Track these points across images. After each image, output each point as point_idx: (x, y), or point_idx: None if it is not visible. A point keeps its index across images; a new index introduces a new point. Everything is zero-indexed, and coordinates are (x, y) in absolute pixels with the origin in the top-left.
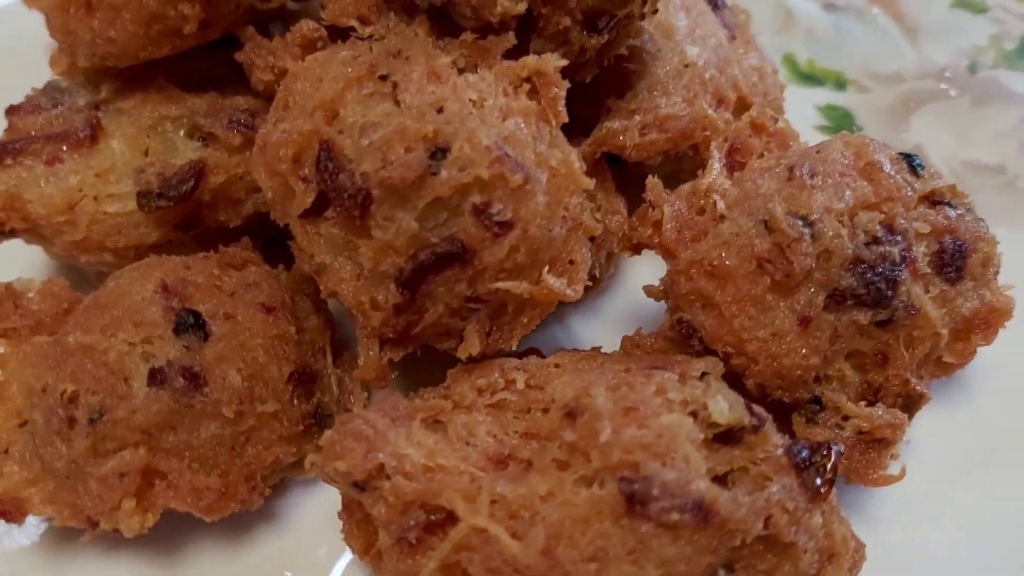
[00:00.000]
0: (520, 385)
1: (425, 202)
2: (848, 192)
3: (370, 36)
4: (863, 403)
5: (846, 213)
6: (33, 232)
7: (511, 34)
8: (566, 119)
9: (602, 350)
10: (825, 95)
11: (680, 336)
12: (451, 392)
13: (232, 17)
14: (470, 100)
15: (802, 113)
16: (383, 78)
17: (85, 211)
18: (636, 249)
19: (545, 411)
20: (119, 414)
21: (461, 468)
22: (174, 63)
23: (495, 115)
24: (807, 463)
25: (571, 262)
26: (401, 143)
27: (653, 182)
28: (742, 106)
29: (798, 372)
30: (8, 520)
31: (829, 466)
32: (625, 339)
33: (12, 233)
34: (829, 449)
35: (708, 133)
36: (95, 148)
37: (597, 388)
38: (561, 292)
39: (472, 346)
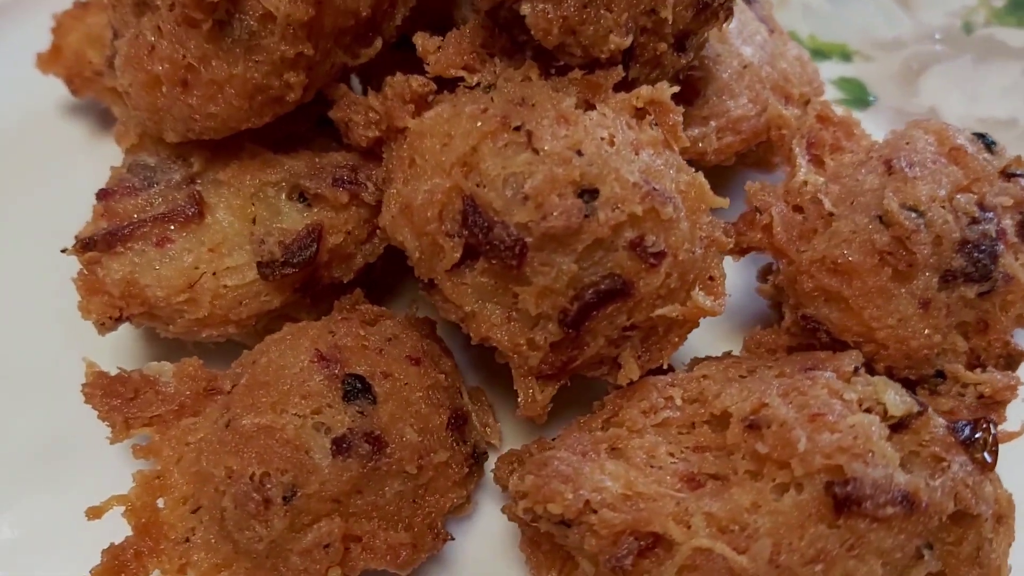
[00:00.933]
0: (678, 401)
1: (584, 245)
2: (944, 178)
3: (478, 84)
4: (978, 369)
5: (947, 199)
6: (148, 315)
7: (619, 67)
8: (687, 143)
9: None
10: (835, 68)
11: (804, 331)
12: (621, 418)
13: (328, 78)
14: (601, 138)
15: None
16: (517, 128)
17: (206, 288)
18: (743, 252)
19: (709, 423)
20: (311, 488)
21: (661, 492)
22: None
23: (628, 150)
24: (971, 439)
25: (711, 278)
26: (552, 191)
27: (755, 188)
28: (798, 98)
29: (924, 352)
30: None
31: (991, 439)
32: (748, 339)
33: (126, 319)
34: (988, 422)
35: (783, 131)
36: (203, 224)
37: (771, 398)
38: (710, 308)
39: (632, 372)
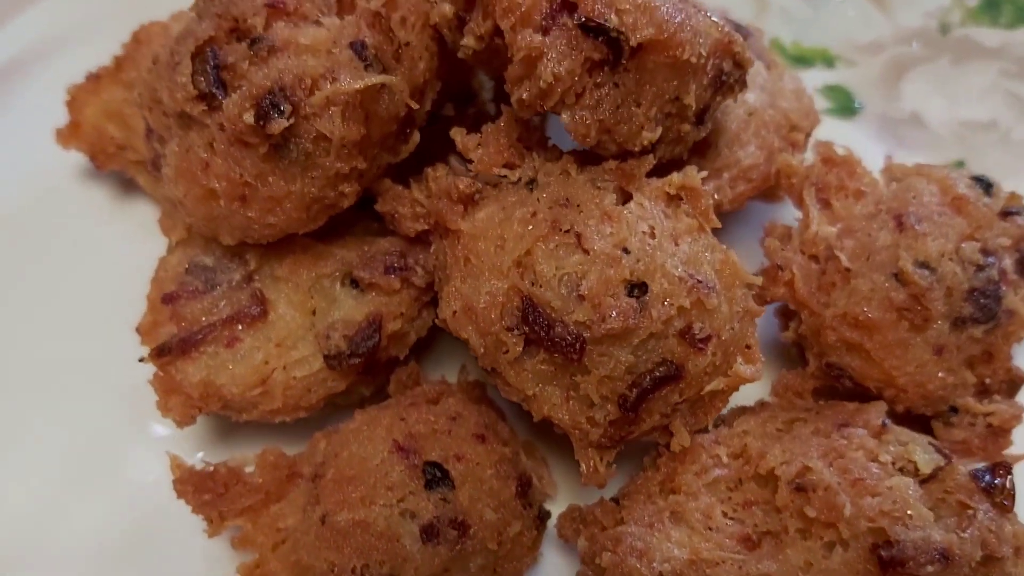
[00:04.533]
0: (724, 459)
1: (640, 339)
2: (950, 231)
3: (519, 179)
4: (986, 400)
5: (954, 251)
6: (223, 407)
7: (650, 156)
8: (718, 225)
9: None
10: (819, 76)
11: (828, 376)
12: (677, 484)
13: (375, 179)
14: (643, 232)
15: None
16: (566, 231)
17: (277, 382)
18: (764, 303)
19: (755, 479)
20: (408, 574)
21: (723, 556)
22: None
23: (668, 241)
24: (991, 485)
25: (748, 346)
26: (606, 292)
27: (774, 244)
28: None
29: (940, 392)
30: None
31: (1008, 483)
32: (776, 383)
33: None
34: (1006, 468)
35: (792, 180)
36: (267, 321)
37: (813, 461)
38: (750, 376)
39: (683, 440)
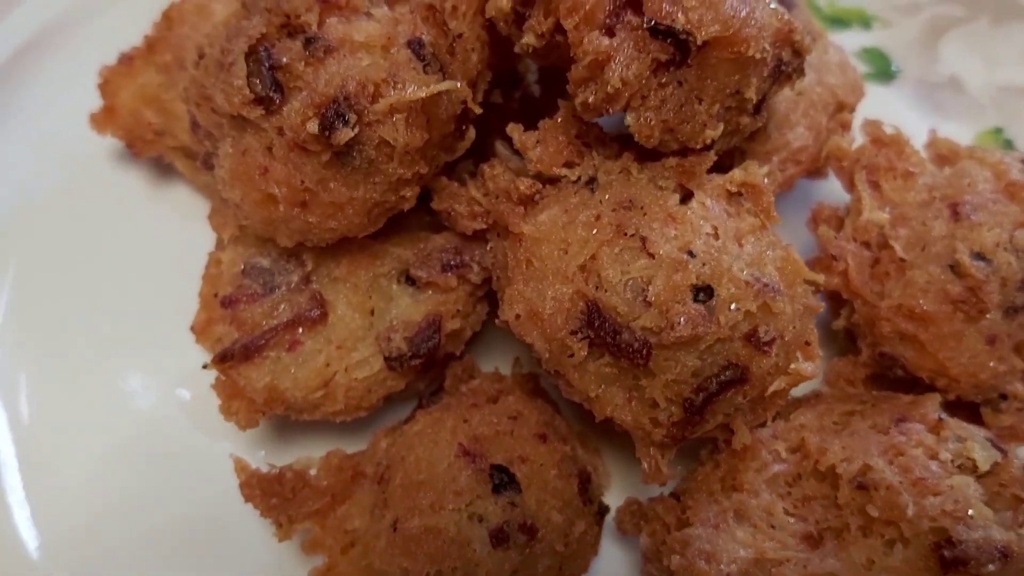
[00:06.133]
0: (783, 454)
1: (707, 344)
2: (1005, 219)
3: (579, 179)
4: None
5: (1008, 240)
6: (285, 409)
7: (711, 153)
8: (779, 221)
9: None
10: (856, 38)
11: (882, 366)
12: (739, 482)
13: (432, 177)
14: (707, 233)
15: None
16: (631, 235)
17: (339, 384)
18: (817, 292)
19: (814, 475)
20: None
21: (788, 556)
22: None
23: (732, 242)
24: None
25: (807, 343)
26: (673, 298)
27: (827, 233)
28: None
29: (992, 382)
30: None
31: None
32: (828, 371)
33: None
34: None
35: (843, 163)
36: (327, 323)
37: (874, 459)
38: (809, 373)
39: (745, 439)
